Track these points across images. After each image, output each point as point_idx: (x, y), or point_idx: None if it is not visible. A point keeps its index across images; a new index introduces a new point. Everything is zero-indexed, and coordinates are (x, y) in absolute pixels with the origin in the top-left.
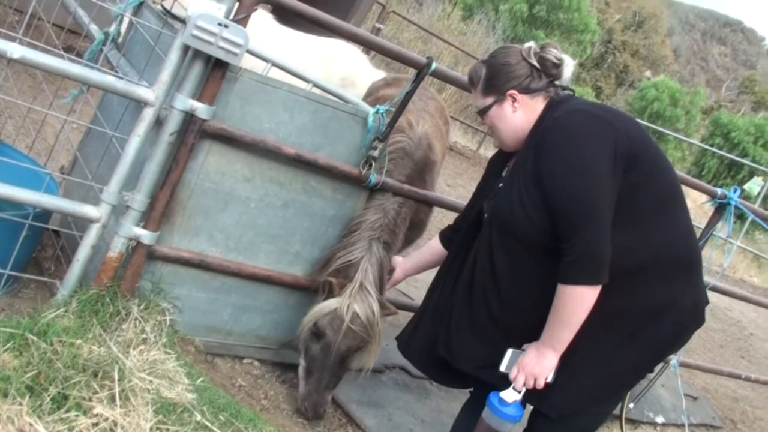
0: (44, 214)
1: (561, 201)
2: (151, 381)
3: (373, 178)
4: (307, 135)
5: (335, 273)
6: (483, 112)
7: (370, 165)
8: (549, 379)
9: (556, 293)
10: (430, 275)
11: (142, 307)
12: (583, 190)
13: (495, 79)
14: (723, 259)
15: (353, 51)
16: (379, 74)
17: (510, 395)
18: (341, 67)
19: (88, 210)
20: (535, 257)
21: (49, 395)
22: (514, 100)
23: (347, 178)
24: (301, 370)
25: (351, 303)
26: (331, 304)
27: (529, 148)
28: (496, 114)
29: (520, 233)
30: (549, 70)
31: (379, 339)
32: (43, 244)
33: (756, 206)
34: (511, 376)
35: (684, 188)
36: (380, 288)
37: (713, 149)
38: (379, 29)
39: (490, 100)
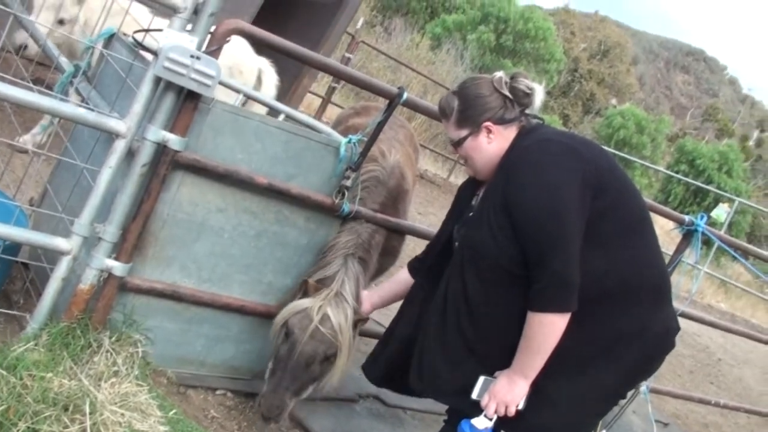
0: (13, 247)
1: (530, 229)
2: (122, 414)
3: (346, 207)
4: (280, 165)
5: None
6: (458, 143)
7: (343, 194)
8: (520, 407)
9: (527, 320)
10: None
11: (113, 339)
12: (552, 218)
13: (469, 110)
14: (691, 284)
15: (237, 40)
16: (264, 61)
17: (481, 422)
18: (227, 57)
19: (59, 242)
20: (507, 284)
21: (18, 430)
22: (489, 131)
23: (320, 208)
24: (267, 371)
25: (324, 305)
26: (303, 303)
27: (499, 177)
28: (471, 146)
29: (490, 260)
30: (521, 99)
31: (349, 350)
32: (12, 276)
33: (722, 233)
34: (483, 403)
35: (652, 215)
36: (356, 299)
37: (679, 176)
38: (348, 59)
39: (464, 132)
